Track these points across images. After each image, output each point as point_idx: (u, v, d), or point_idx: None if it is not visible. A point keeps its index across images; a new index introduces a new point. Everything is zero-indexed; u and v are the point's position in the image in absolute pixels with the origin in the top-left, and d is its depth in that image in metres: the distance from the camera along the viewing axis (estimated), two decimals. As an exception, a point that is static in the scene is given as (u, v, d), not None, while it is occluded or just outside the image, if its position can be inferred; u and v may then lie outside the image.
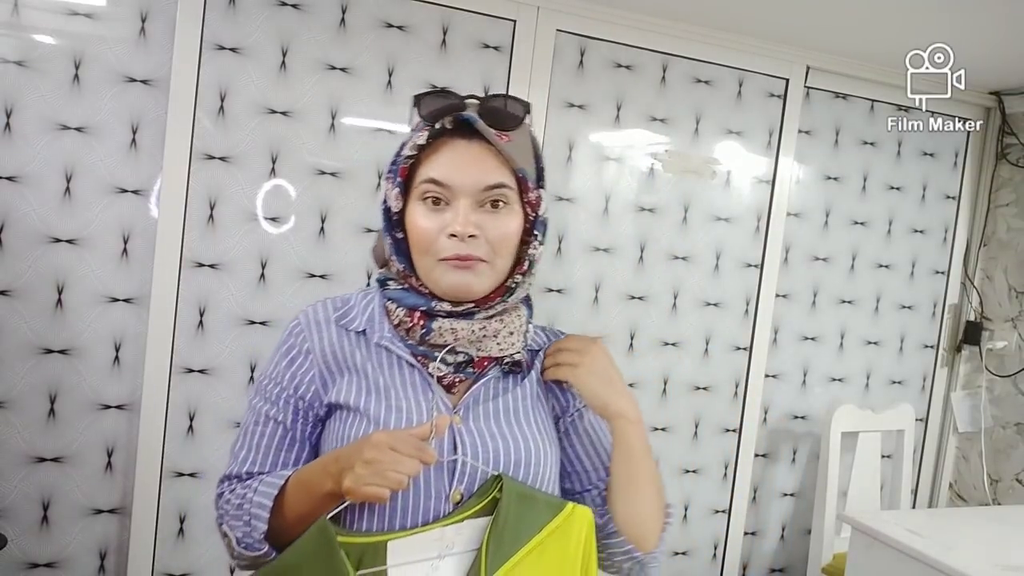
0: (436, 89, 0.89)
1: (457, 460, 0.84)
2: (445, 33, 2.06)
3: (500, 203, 0.87)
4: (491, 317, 0.90)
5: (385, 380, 0.89)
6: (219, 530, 0.91)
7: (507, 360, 0.92)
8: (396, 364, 0.90)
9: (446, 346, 0.88)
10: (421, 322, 0.88)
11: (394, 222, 0.90)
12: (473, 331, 0.88)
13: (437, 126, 0.86)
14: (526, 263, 0.90)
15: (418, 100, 0.88)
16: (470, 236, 0.84)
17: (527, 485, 0.86)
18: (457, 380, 0.90)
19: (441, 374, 0.89)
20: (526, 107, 0.90)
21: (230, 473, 0.93)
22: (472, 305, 0.88)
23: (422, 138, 0.87)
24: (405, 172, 0.88)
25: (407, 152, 0.88)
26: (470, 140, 0.86)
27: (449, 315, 0.88)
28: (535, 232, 0.90)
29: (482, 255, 0.86)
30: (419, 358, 0.90)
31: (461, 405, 0.90)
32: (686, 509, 2.46)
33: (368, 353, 0.90)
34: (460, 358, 0.89)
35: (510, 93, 0.91)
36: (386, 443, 0.76)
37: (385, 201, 0.90)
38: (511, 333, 0.91)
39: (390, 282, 0.93)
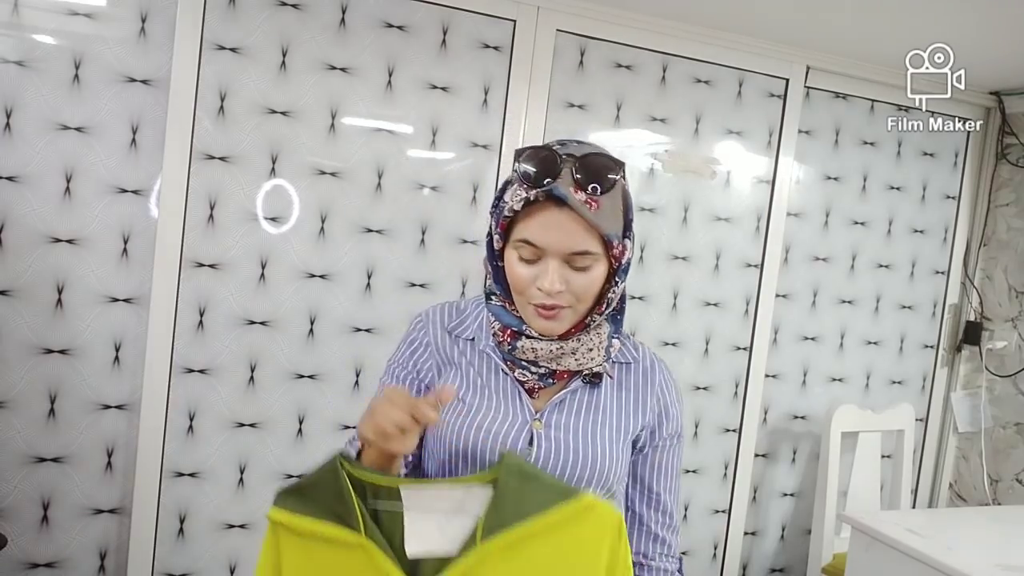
0: (535, 146, 0.96)
1: (533, 446, 0.99)
2: (445, 33, 2.06)
3: (587, 262, 0.96)
4: (568, 339, 1.01)
5: (483, 380, 1.05)
6: None
7: (587, 372, 1.03)
8: (493, 369, 1.05)
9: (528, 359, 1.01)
10: (509, 339, 1.02)
11: (496, 253, 1.02)
12: (551, 350, 1.00)
13: (532, 197, 0.93)
14: (604, 305, 1.00)
15: (518, 155, 0.96)
16: (557, 292, 0.95)
17: (534, 466, 0.91)
18: (540, 387, 1.03)
19: (525, 379, 1.02)
20: (620, 166, 0.96)
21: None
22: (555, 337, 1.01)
23: (519, 203, 0.95)
24: (504, 226, 0.98)
25: (507, 212, 0.97)
26: (561, 208, 0.93)
27: (533, 337, 1.01)
28: (616, 278, 1.00)
29: (566, 303, 0.97)
30: (509, 364, 1.04)
31: (543, 411, 1.02)
32: (686, 509, 2.46)
33: (473, 356, 1.07)
34: (542, 370, 1.02)
35: (588, 143, 1.01)
36: (387, 396, 0.87)
37: (490, 234, 1.03)
38: (590, 349, 1.01)
39: (493, 296, 1.06)
